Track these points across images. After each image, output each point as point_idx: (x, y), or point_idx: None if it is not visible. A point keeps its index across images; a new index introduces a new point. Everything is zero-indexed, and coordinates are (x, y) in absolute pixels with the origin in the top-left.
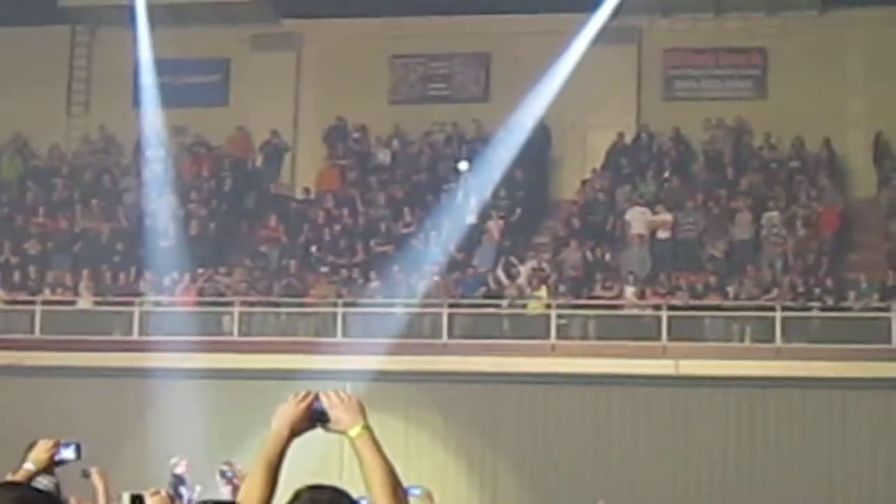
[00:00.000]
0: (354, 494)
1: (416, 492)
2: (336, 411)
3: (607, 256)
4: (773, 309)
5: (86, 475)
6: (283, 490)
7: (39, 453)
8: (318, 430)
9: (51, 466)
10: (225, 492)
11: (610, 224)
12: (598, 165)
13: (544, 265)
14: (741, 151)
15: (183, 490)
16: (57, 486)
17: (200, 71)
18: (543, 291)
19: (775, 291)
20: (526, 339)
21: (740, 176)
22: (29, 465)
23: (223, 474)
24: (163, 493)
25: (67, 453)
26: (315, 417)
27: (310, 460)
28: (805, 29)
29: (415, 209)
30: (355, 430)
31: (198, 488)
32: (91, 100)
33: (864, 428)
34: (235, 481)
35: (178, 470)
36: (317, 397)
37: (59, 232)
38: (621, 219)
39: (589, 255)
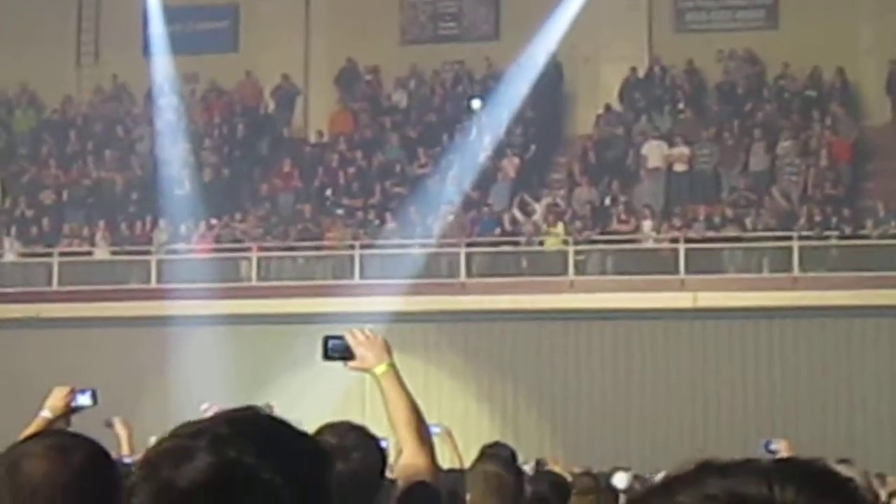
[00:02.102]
0: (377, 433)
1: (436, 430)
2: (361, 349)
3: (623, 191)
4: (790, 239)
5: (108, 425)
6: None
7: (55, 400)
8: (341, 370)
9: (67, 414)
10: None
11: (625, 158)
12: (611, 100)
13: (560, 201)
14: (754, 82)
15: None
16: None
17: (210, 17)
18: (560, 228)
19: (792, 221)
20: (544, 276)
21: (754, 107)
22: (46, 413)
23: None
24: None
25: (83, 399)
26: (339, 355)
27: (333, 399)
28: None
29: (428, 149)
30: (381, 368)
31: None
32: (101, 50)
33: (883, 355)
34: None
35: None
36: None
37: (73, 183)
38: (637, 153)
39: (605, 190)
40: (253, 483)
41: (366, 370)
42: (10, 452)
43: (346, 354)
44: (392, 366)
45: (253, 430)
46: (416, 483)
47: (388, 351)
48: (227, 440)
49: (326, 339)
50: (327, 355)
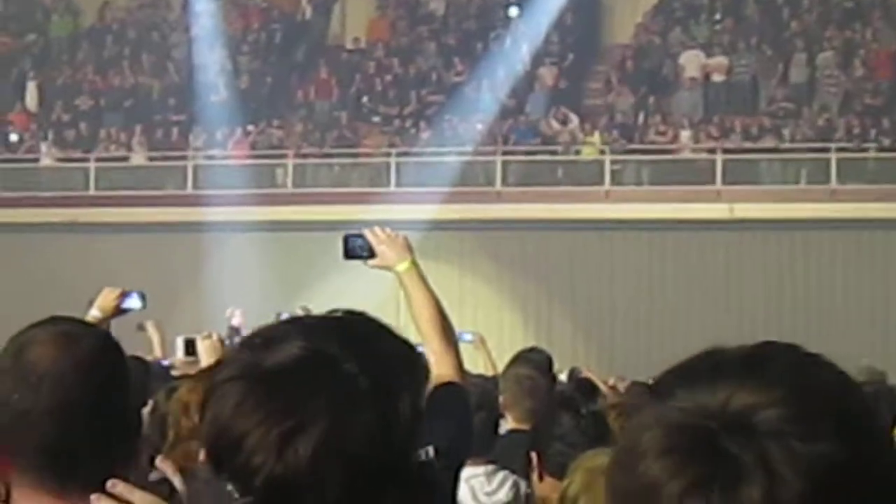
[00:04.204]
0: (412, 340)
1: (468, 337)
2: (382, 247)
3: (661, 101)
4: (828, 151)
5: (141, 328)
6: None
7: (106, 301)
8: (375, 276)
9: (115, 315)
10: None
11: (663, 68)
12: (650, 8)
13: (597, 110)
14: None
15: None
16: None
17: None
18: (596, 138)
19: (831, 133)
20: (580, 185)
21: (794, 17)
22: (95, 312)
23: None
24: (214, 337)
25: (133, 302)
26: (360, 253)
27: (368, 306)
28: None
29: (465, 57)
30: (403, 266)
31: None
32: None
33: None
34: None
35: (235, 321)
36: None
37: (110, 89)
38: (675, 62)
39: (642, 100)
40: (333, 372)
41: (387, 268)
42: (16, 339)
43: (366, 253)
44: (414, 263)
45: (344, 325)
46: (445, 383)
47: (410, 249)
48: (319, 331)
49: (347, 238)
50: (348, 254)
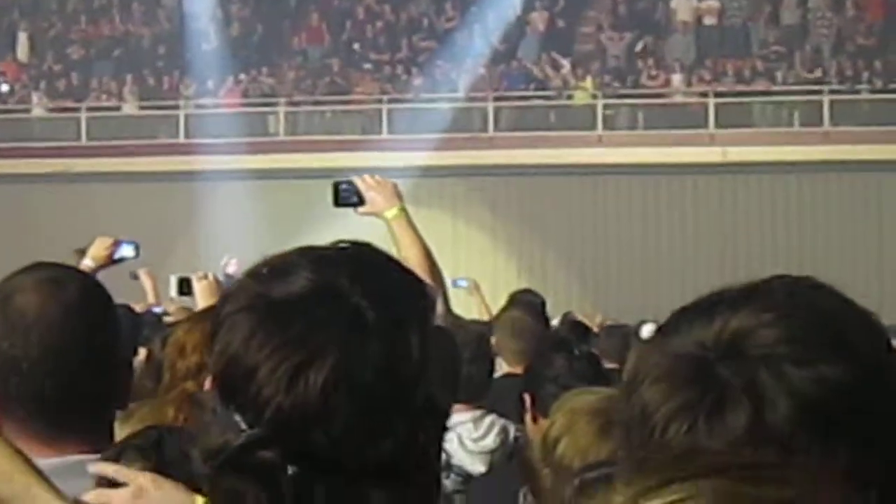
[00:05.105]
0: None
1: (463, 283)
2: (372, 193)
3: (652, 45)
4: (821, 93)
5: (134, 277)
6: None
7: (99, 250)
8: (369, 224)
9: (110, 263)
10: None
11: (655, 12)
12: None
13: (589, 55)
14: None
15: None
16: None
17: None
18: (589, 82)
19: (823, 75)
20: (572, 130)
21: None
22: (88, 262)
23: None
24: (210, 277)
25: (127, 251)
26: (350, 200)
27: None
28: None
29: (456, 3)
30: (392, 212)
31: None
32: None
33: None
34: None
35: (230, 269)
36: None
37: (100, 38)
38: (666, 6)
39: (634, 44)
40: (342, 304)
41: (377, 214)
42: (1, 287)
43: (356, 199)
44: (403, 209)
45: (352, 257)
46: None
47: (399, 196)
48: (328, 262)
49: (337, 185)
50: (338, 201)
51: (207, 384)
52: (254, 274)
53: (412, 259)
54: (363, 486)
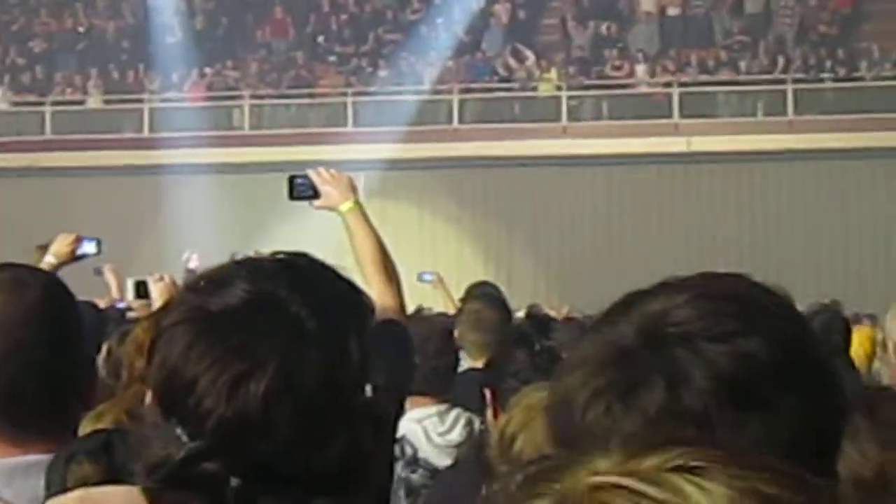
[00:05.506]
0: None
1: (428, 277)
2: (327, 187)
3: (617, 36)
4: (784, 82)
5: (98, 272)
6: None
7: (61, 247)
8: (334, 218)
9: (72, 260)
10: None
11: (618, 2)
12: None
13: (553, 46)
14: None
15: None
16: None
17: None
18: (553, 73)
19: (787, 64)
20: (537, 121)
21: None
22: (50, 259)
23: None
24: (167, 279)
25: (89, 247)
26: (305, 194)
27: (326, 247)
28: None
29: None
30: (346, 206)
31: None
32: None
33: (879, 198)
34: None
35: (192, 265)
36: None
37: (63, 31)
38: None
39: (598, 34)
40: (280, 313)
41: (331, 208)
42: None
43: (311, 193)
44: (358, 203)
45: (289, 267)
46: (385, 321)
47: (354, 189)
48: (265, 273)
49: (292, 179)
50: (292, 195)
51: (148, 398)
52: (192, 286)
53: (366, 253)
54: (308, 496)
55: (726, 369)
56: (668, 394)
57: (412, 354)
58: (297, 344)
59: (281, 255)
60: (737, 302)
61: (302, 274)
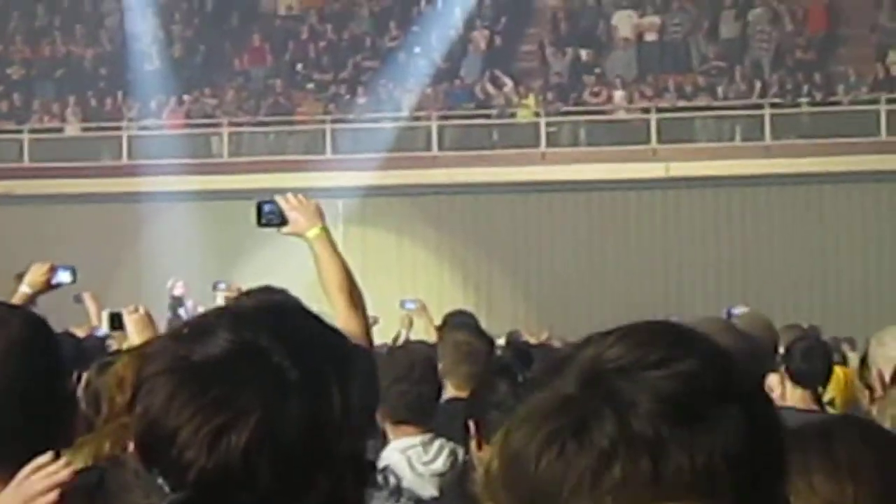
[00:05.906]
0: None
1: (411, 305)
2: (294, 213)
3: (594, 62)
4: (761, 107)
5: (78, 300)
6: None
7: (35, 276)
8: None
9: (47, 289)
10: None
11: (596, 29)
12: None
13: (532, 73)
14: None
15: (182, 311)
16: None
17: None
18: (531, 100)
19: (763, 88)
20: (516, 148)
21: None
22: (25, 288)
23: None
24: (141, 310)
25: (63, 276)
26: (273, 220)
27: (304, 274)
28: None
29: (399, 22)
30: (313, 232)
31: (200, 308)
32: None
33: (855, 222)
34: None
35: (177, 292)
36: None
37: (41, 58)
38: (608, 22)
39: (576, 61)
40: (263, 364)
41: (299, 234)
42: None
43: (279, 219)
44: (325, 230)
45: (275, 314)
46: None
47: (321, 215)
48: (247, 321)
49: (260, 205)
50: (260, 221)
51: (130, 447)
52: (174, 335)
53: (332, 279)
54: None
55: (668, 390)
56: (618, 423)
57: (376, 382)
58: (278, 394)
59: (263, 297)
60: (663, 335)
61: (284, 320)
